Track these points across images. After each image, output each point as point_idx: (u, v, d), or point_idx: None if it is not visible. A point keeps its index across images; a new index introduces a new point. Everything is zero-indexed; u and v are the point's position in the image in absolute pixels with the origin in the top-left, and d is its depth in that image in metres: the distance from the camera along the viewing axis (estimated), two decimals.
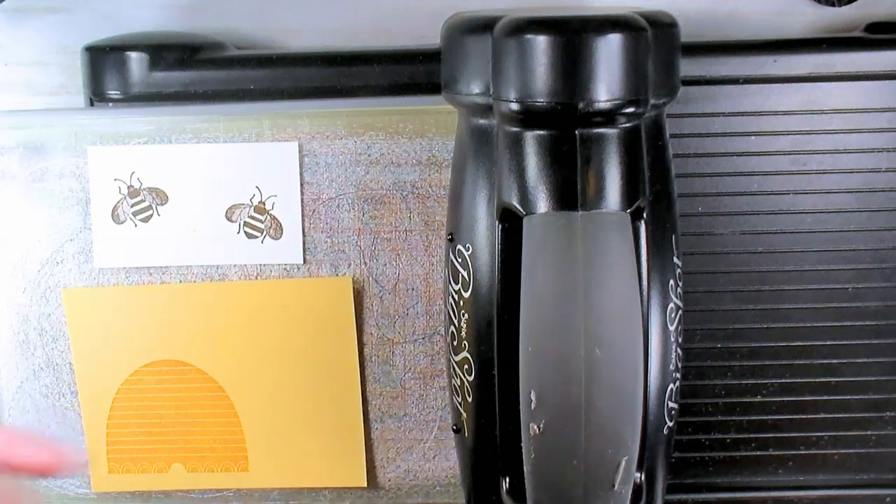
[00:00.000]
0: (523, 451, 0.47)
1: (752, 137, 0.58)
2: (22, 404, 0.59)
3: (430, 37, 0.55)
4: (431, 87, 0.55)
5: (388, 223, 0.57)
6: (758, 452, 0.60)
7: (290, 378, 0.58)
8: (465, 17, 0.50)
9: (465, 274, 0.50)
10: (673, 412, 0.51)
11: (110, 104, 0.58)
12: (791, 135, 0.58)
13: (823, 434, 0.60)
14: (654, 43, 0.47)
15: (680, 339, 0.51)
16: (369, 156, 0.57)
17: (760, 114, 0.57)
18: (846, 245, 0.58)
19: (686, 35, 0.51)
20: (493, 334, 0.49)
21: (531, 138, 0.47)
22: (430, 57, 0.56)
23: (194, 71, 0.58)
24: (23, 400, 0.59)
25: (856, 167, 0.58)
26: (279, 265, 0.57)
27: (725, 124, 0.58)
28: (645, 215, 0.49)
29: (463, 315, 0.50)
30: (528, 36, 0.46)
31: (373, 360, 0.58)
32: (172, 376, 0.58)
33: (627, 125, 0.47)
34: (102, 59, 0.58)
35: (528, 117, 0.47)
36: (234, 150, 0.57)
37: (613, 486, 0.47)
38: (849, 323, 0.59)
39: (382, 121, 0.57)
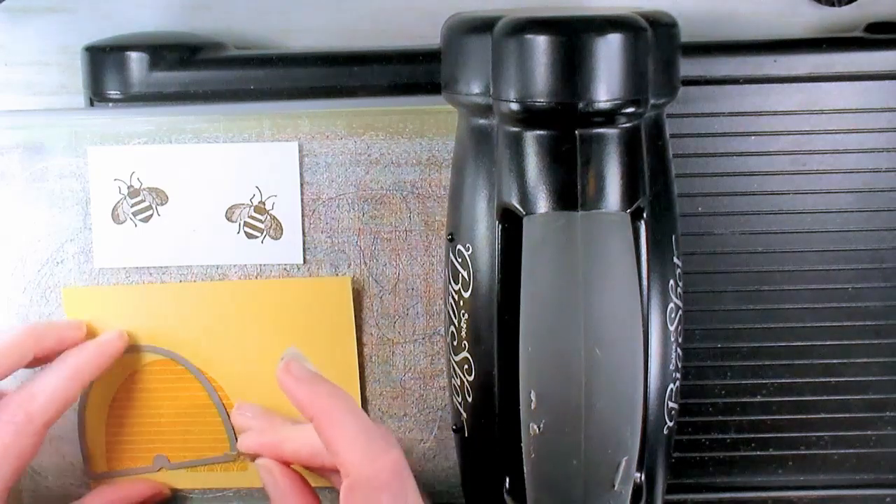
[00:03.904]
0: (523, 451, 0.47)
1: (752, 137, 0.58)
2: None
3: (430, 37, 0.55)
4: (431, 87, 0.55)
5: (388, 223, 0.57)
6: (758, 452, 0.60)
7: None
8: (465, 17, 0.50)
9: (465, 274, 0.50)
10: (673, 412, 0.51)
11: (110, 104, 0.58)
12: (791, 135, 0.58)
13: (823, 434, 0.60)
14: (654, 43, 0.48)
15: (680, 339, 0.51)
16: (369, 156, 0.57)
17: (760, 114, 0.57)
18: (846, 245, 0.58)
19: (686, 35, 0.51)
20: (493, 334, 0.49)
21: (531, 138, 0.47)
22: (430, 57, 0.56)
23: (194, 71, 0.58)
24: None
25: (856, 167, 0.58)
26: (279, 265, 0.57)
27: (725, 124, 0.58)
28: (645, 215, 0.49)
29: (463, 315, 0.50)
30: (528, 36, 0.46)
31: (373, 360, 0.58)
32: (172, 375, 0.58)
33: (627, 125, 0.48)
34: (102, 59, 0.58)
35: (528, 117, 0.47)
36: (234, 150, 0.57)
37: (613, 486, 0.47)
38: (849, 323, 0.59)
39: (382, 121, 0.57)
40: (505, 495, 0.51)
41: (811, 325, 0.59)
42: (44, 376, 0.54)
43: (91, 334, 0.57)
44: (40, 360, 0.55)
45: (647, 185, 0.49)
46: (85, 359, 0.55)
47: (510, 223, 0.48)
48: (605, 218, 0.47)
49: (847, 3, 0.60)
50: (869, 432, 0.60)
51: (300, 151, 0.57)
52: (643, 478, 0.50)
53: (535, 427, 0.46)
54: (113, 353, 0.56)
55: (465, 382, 0.51)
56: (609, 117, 0.47)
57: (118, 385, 0.58)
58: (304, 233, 0.57)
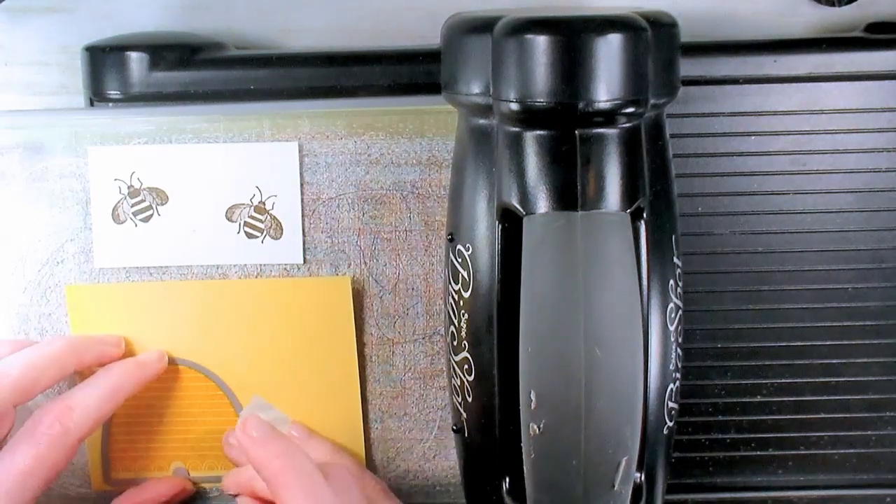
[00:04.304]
0: (523, 451, 0.47)
1: (752, 137, 0.58)
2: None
3: (430, 37, 0.55)
4: (431, 87, 0.55)
5: (388, 223, 0.57)
6: (758, 452, 0.60)
7: (290, 378, 0.58)
8: (465, 17, 0.50)
9: (465, 274, 0.50)
10: (673, 412, 0.51)
11: (110, 104, 0.58)
12: (791, 135, 0.58)
13: (823, 434, 0.60)
14: (654, 43, 0.47)
15: (680, 339, 0.51)
16: (369, 156, 0.57)
17: (760, 114, 0.57)
18: (846, 245, 0.58)
19: (686, 35, 0.51)
20: (493, 334, 0.49)
21: (531, 138, 0.47)
22: (430, 57, 0.56)
23: (194, 71, 0.58)
24: None
25: (856, 167, 0.58)
26: (279, 265, 0.57)
27: (725, 124, 0.58)
28: (645, 215, 0.49)
29: (463, 315, 0.50)
30: (528, 36, 0.46)
31: (373, 360, 0.58)
32: (173, 374, 0.58)
33: (627, 125, 0.48)
34: (102, 59, 0.58)
35: (528, 117, 0.47)
36: (234, 150, 0.57)
37: (613, 486, 0.47)
38: (849, 323, 0.59)
39: (382, 121, 0.57)
40: (505, 495, 0.51)
41: (811, 325, 0.59)
42: (82, 391, 0.54)
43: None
44: (77, 374, 0.56)
45: (647, 185, 0.49)
46: (124, 377, 0.55)
47: (510, 223, 0.48)
48: (605, 218, 0.47)
49: (847, 3, 0.60)
50: (869, 432, 0.60)
51: (300, 151, 0.57)
52: (643, 478, 0.50)
53: (535, 427, 0.46)
54: (151, 375, 0.57)
55: (465, 382, 0.51)
56: (609, 117, 0.47)
57: None
58: (304, 233, 0.57)
